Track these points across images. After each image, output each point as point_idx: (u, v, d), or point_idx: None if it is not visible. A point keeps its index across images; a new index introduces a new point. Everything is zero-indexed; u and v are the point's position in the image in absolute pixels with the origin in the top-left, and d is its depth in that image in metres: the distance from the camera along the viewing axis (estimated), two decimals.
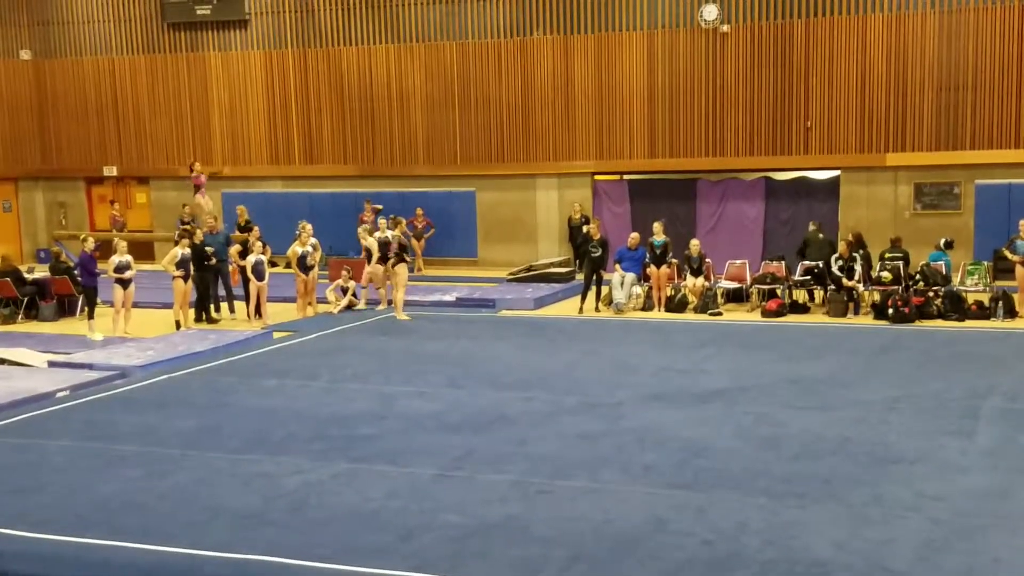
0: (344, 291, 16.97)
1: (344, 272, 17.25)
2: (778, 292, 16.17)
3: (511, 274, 19.70)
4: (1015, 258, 15.17)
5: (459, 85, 21.77)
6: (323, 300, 16.88)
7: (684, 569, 6.29)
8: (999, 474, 7.93)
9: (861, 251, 15.99)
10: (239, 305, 16.38)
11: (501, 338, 14.23)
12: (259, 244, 15.74)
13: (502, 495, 7.69)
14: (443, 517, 7.25)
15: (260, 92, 23.30)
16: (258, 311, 15.58)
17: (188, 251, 15.33)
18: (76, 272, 15.98)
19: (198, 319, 15.88)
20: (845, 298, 15.39)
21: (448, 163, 22.01)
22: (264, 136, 23.42)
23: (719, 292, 16.44)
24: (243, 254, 16.02)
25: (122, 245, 15.31)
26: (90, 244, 15.41)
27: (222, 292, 16.64)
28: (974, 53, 18.48)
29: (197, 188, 20.84)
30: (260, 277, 15.47)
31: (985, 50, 18.44)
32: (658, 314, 16.16)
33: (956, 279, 15.79)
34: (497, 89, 21.49)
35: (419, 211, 21.27)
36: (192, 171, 20.89)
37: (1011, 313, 14.72)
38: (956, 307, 14.91)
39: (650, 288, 16.60)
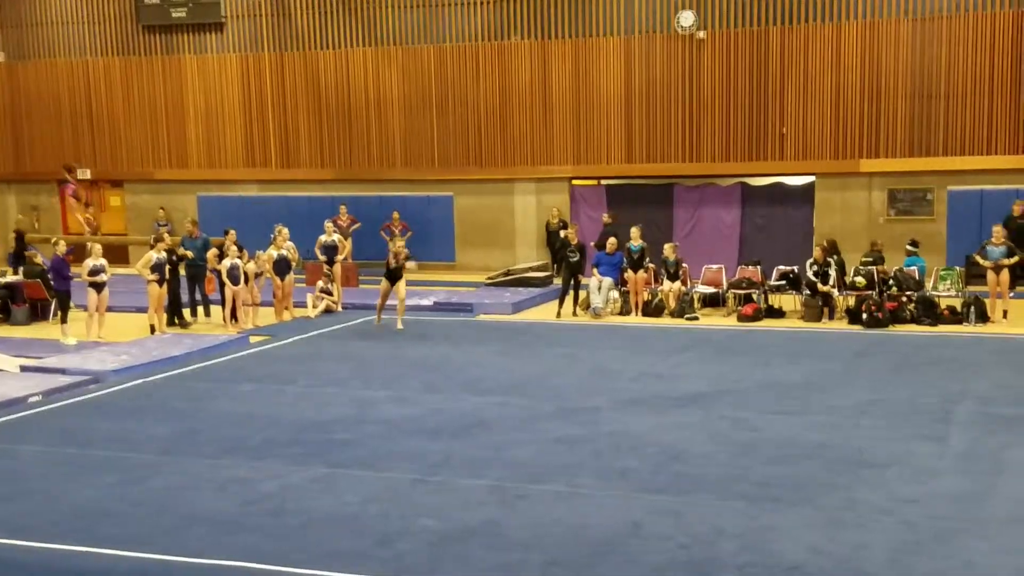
0: (326, 295, 16.99)
1: (324, 275, 17.27)
2: (754, 297, 16.28)
3: (489, 278, 19.71)
4: (987, 263, 15.34)
5: (437, 89, 21.77)
6: (301, 304, 16.84)
7: (660, 573, 6.33)
8: (971, 478, 8.03)
9: (835, 256, 16.13)
10: (215, 309, 16.33)
11: (479, 343, 14.25)
12: (235, 248, 15.68)
13: (480, 500, 7.70)
14: (421, 522, 7.26)
15: (236, 95, 23.20)
16: (234, 315, 15.52)
17: (163, 255, 15.24)
18: (49, 276, 15.84)
19: (170, 323, 15.79)
20: (820, 303, 15.52)
21: (426, 167, 22.00)
22: (240, 139, 23.31)
23: (696, 297, 16.53)
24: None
25: (96, 248, 15.20)
26: (62, 247, 15.29)
27: (198, 296, 16.60)
28: (947, 61, 18.69)
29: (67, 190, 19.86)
30: (235, 281, 15.40)
31: (957, 58, 18.65)
32: (635, 319, 16.23)
33: (929, 284, 15.95)
34: (475, 93, 21.51)
35: (395, 215, 21.24)
36: (71, 174, 19.99)
37: (983, 318, 14.88)
38: (929, 312, 15.06)
39: (627, 293, 16.66)
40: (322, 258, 17.69)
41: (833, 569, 6.32)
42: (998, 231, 15.60)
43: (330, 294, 17.12)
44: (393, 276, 15.29)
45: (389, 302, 15.56)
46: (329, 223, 18.51)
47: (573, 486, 7.98)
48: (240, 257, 15.65)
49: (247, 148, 23.28)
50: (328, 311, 16.86)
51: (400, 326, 15.18)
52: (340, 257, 17.90)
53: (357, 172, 22.41)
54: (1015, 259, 15.49)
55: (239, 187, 23.30)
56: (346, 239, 19.64)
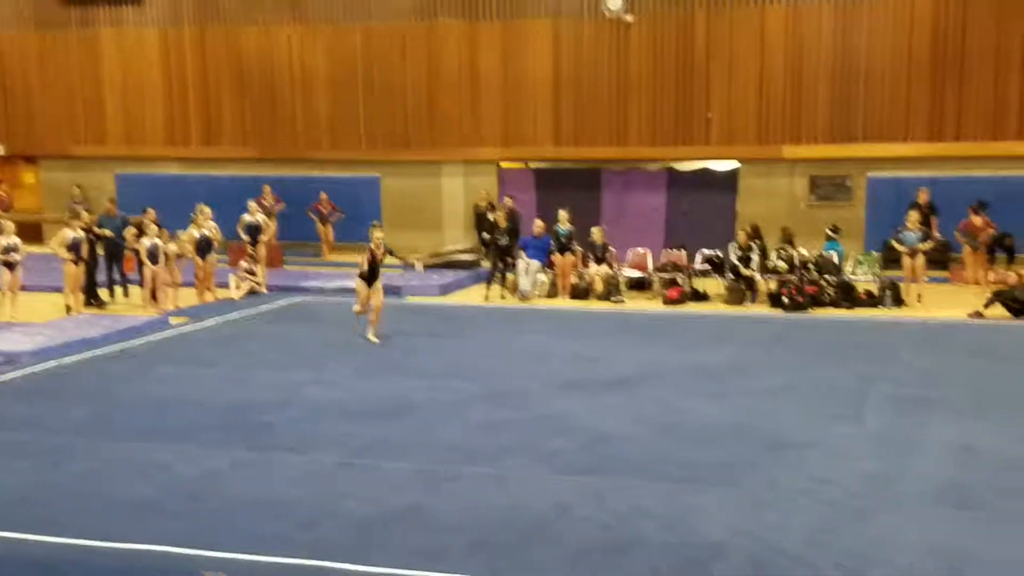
0: (249, 276, 16.74)
1: (248, 256, 17.01)
2: (679, 281, 16.48)
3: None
4: (903, 249, 15.78)
5: (364, 69, 21.49)
6: (224, 285, 16.55)
7: (585, 553, 6.39)
8: (886, 458, 8.25)
9: (758, 241, 16.42)
10: (135, 290, 15.98)
11: (406, 326, 14.17)
12: (154, 227, 15.34)
13: (406, 483, 7.68)
14: (346, 505, 7.21)
15: (156, 70, 22.60)
16: (153, 296, 15.20)
17: (80, 233, 14.84)
18: None
19: (87, 303, 15.40)
20: (743, 287, 15.78)
21: (352, 148, 21.72)
22: (160, 116, 22.73)
23: (622, 280, 16.68)
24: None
25: (9, 226, 14.71)
26: None
27: (116, 276, 16.25)
28: (867, 48, 19.06)
29: None
30: (155, 261, 15.08)
31: (877, 45, 19.02)
32: (562, 302, 16.30)
33: (847, 269, 16.32)
34: (402, 74, 21.29)
35: (323, 196, 20.98)
36: None
37: (899, 302, 15.29)
38: (847, 296, 15.42)
39: (555, 276, 16.73)
40: (246, 238, 17.41)
41: (753, 548, 6.44)
42: (914, 217, 16.05)
43: (254, 275, 16.87)
44: (372, 276, 12.83)
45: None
46: (253, 203, 18.21)
47: (500, 469, 8.00)
48: (160, 236, 15.32)
49: (167, 125, 22.73)
50: (252, 292, 16.61)
51: (373, 338, 12.84)
52: (264, 238, 17.63)
53: (282, 152, 22.04)
54: (930, 244, 15.97)
55: (159, 165, 22.75)
56: (271, 219, 19.36)
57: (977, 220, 16.68)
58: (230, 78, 22.20)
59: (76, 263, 14.69)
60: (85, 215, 15.98)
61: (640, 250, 17.59)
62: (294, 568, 6.23)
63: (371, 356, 12.08)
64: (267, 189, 20.51)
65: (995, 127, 18.40)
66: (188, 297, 15.91)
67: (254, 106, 22.16)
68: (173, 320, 14.41)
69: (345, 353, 12.27)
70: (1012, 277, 14.82)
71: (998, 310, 14.11)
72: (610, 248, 17.04)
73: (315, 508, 7.17)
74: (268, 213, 19.14)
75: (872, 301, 15.38)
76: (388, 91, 21.38)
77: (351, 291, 16.86)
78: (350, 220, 21.20)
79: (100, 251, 15.93)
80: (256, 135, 22.22)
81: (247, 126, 22.26)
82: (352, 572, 6.16)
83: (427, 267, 18.90)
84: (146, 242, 15.10)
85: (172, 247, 15.48)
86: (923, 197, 17.49)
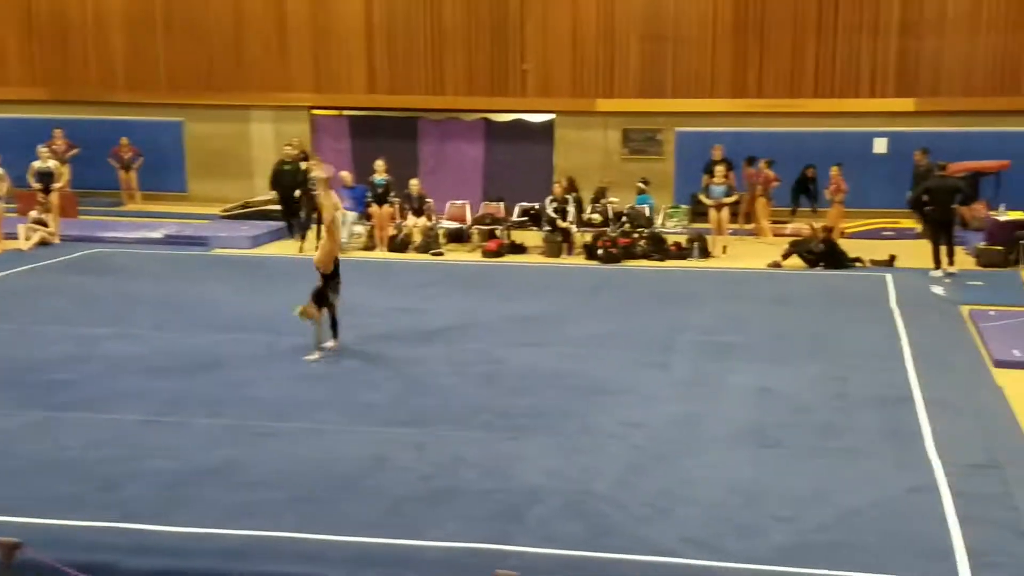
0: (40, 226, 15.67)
1: (39, 204, 15.89)
2: (497, 233, 16.56)
3: (225, 211, 18.86)
4: (709, 202, 16.44)
5: (162, 4, 20.29)
6: (12, 236, 15.43)
7: (403, 504, 6.35)
8: (691, 402, 8.58)
9: (574, 194, 16.69)
10: None
11: (215, 278, 13.62)
12: None
13: (216, 439, 7.41)
14: (151, 464, 6.89)
15: None
16: None
17: None
18: None
19: None
20: (559, 239, 16.03)
21: (152, 90, 20.51)
22: None
23: (440, 232, 16.61)
24: None
25: None
26: None
27: None
28: (675, 9, 19.57)
29: None
30: None
31: (684, 8, 19.55)
32: (380, 254, 16.09)
33: (658, 221, 16.85)
34: (205, 11, 20.23)
35: (124, 140, 19.79)
36: None
37: (705, 253, 15.94)
38: (658, 248, 15.93)
39: (372, 227, 16.48)
40: (36, 186, 16.24)
41: (568, 490, 6.58)
42: (720, 171, 16.73)
43: (45, 225, 15.81)
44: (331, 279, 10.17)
45: None
46: (43, 148, 16.99)
47: (315, 422, 7.84)
48: None
49: None
50: (44, 243, 15.57)
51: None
52: (57, 185, 16.49)
53: (74, 93, 20.57)
54: (734, 198, 16.70)
55: None
56: (63, 165, 18.08)
57: (771, 173, 17.52)
58: (15, 10, 20.49)
59: None
60: None
61: (458, 202, 17.57)
62: (94, 530, 5.88)
63: (174, 310, 11.54)
64: (58, 133, 19.16)
65: (793, 86, 19.34)
66: None
67: (42, 42, 20.55)
68: None
69: (147, 306, 11.67)
70: (806, 230, 15.69)
71: (795, 261, 14.94)
72: (428, 200, 16.91)
73: (117, 468, 6.80)
74: (60, 159, 17.90)
75: (681, 253, 15.94)
76: (190, 30, 20.26)
77: (154, 242, 16.12)
78: (151, 167, 20.12)
79: None
80: (46, 74, 20.65)
81: (35, 64, 20.64)
82: (158, 532, 5.88)
83: (233, 217, 18.26)
84: None
85: None
86: (717, 153, 18.05)
